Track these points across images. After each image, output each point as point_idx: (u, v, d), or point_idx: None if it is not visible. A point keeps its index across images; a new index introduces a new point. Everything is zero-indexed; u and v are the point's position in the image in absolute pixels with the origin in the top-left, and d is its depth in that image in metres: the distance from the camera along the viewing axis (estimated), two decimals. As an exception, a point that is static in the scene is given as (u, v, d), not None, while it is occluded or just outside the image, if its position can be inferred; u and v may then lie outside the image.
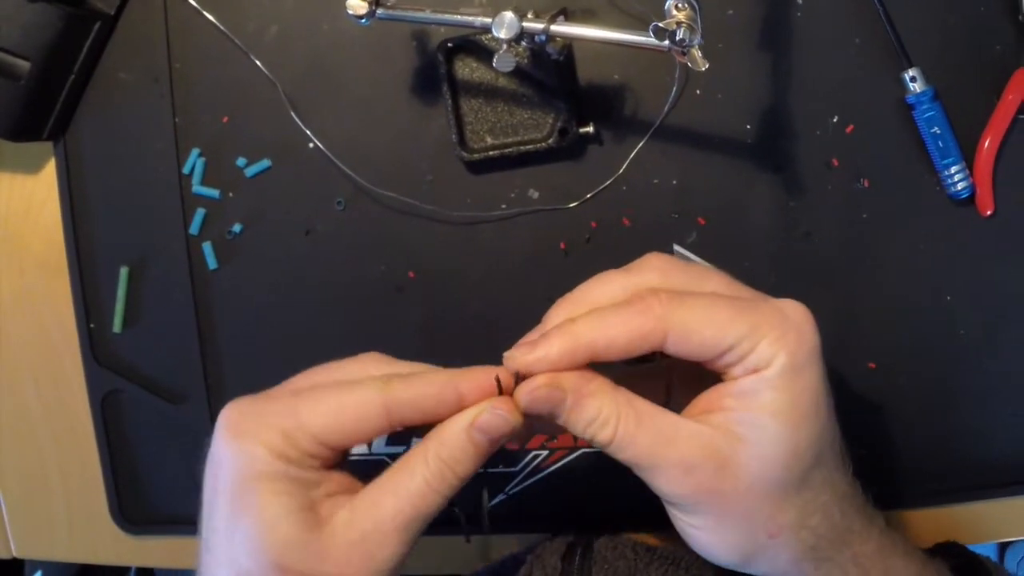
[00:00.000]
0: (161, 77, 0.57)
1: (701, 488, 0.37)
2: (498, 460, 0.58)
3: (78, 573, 0.93)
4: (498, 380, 0.38)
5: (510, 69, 0.46)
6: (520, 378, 0.38)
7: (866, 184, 0.54)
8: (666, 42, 0.43)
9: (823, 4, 0.54)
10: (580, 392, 0.38)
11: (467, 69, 0.54)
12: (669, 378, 0.44)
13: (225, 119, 0.57)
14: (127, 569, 0.98)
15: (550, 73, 0.53)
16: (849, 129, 0.54)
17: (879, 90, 0.54)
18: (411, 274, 0.57)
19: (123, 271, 0.58)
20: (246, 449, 0.37)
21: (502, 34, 0.45)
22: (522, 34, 0.45)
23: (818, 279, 0.55)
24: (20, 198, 0.60)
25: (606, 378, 0.38)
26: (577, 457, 0.57)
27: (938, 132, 0.53)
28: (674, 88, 0.54)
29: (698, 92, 0.54)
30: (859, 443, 0.56)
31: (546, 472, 0.58)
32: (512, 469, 0.58)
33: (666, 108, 0.54)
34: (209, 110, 0.57)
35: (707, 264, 0.55)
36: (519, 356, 0.38)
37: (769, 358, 0.36)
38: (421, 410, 0.38)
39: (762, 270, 0.55)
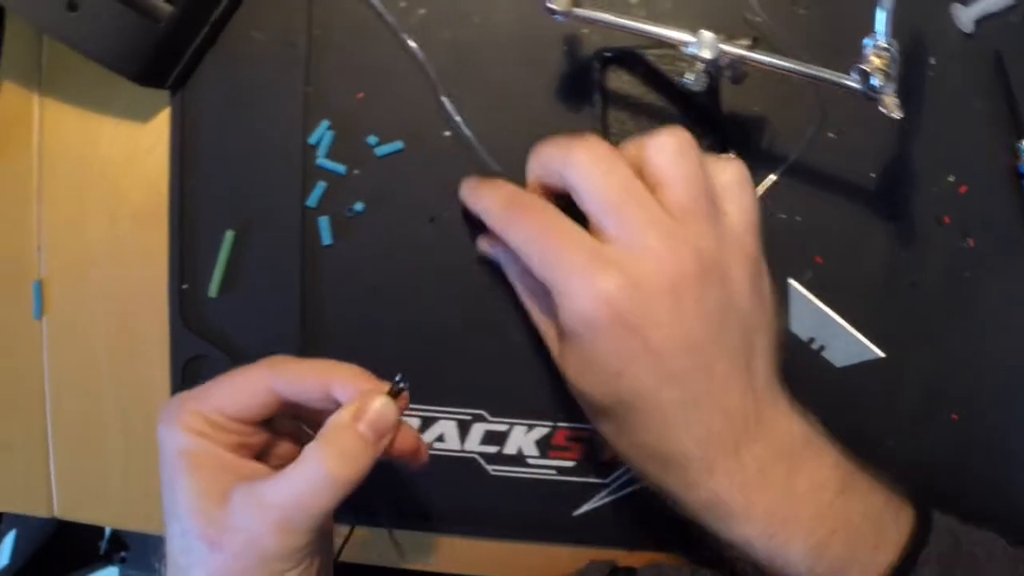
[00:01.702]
0: (298, 42, 0.55)
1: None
2: (589, 470, 0.58)
3: (52, 535, 0.89)
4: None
5: (703, 88, 0.47)
6: (394, 387, 0.43)
7: (971, 244, 0.57)
8: (861, 86, 0.45)
9: (953, 69, 0.56)
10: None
11: (618, 82, 0.55)
12: None
13: (360, 95, 0.56)
14: (101, 529, 0.94)
15: (701, 96, 0.53)
16: (963, 190, 0.57)
17: (995, 156, 0.57)
18: (530, 275, 0.57)
19: (228, 234, 0.56)
20: (170, 431, 0.43)
21: (704, 53, 0.46)
22: (720, 56, 0.46)
23: (918, 329, 0.57)
24: (123, 143, 0.57)
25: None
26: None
27: (1044, 203, 0.56)
28: (810, 128, 0.56)
29: (831, 135, 0.56)
30: (932, 488, 0.59)
31: (635, 487, 0.58)
32: (602, 480, 0.58)
33: (803, 146, 0.56)
34: (344, 83, 0.56)
35: (817, 303, 0.57)
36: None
37: (559, 305, 0.45)
38: (298, 388, 0.44)
39: (869, 313, 0.57)
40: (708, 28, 0.54)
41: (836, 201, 0.57)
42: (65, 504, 0.61)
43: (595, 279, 0.42)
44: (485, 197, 0.51)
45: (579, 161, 0.44)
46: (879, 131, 0.56)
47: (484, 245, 0.54)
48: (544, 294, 0.47)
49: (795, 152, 0.56)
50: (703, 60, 0.46)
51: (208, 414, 0.43)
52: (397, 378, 0.43)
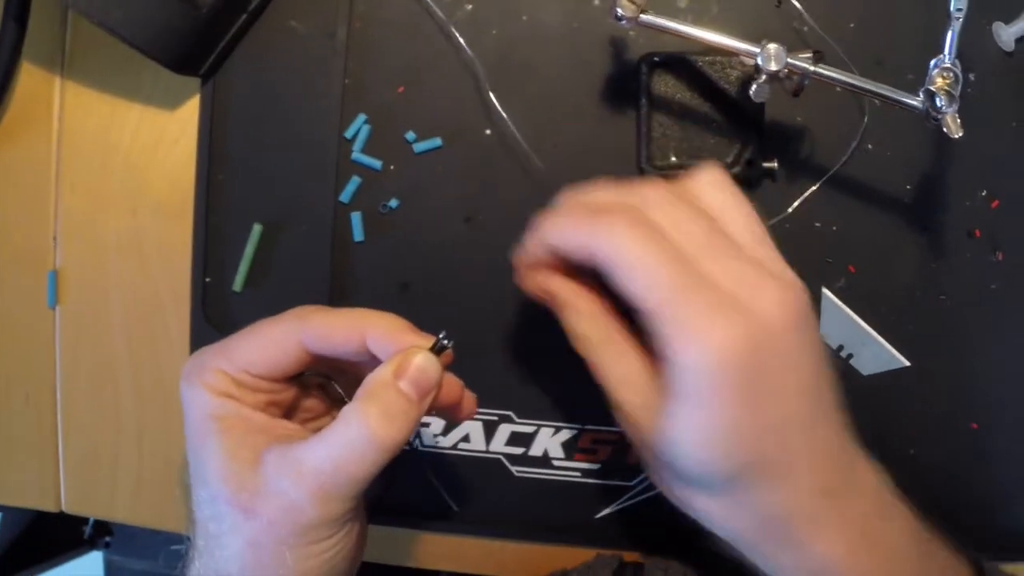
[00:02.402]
0: (338, 33, 0.54)
1: (636, 436, 0.43)
2: (613, 473, 0.58)
3: (36, 519, 0.86)
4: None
5: (766, 100, 0.46)
6: (437, 344, 0.40)
7: (1000, 257, 0.58)
8: (925, 106, 0.45)
9: (991, 86, 0.56)
10: (562, 303, 0.44)
11: (663, 85, 0.54)
12: None
13: (400, 89, 0.54)
14: (84, 520, 0.92)
15: (748, 104, 0.53)
16: (994, 204, 0.57)
17: (1025, 172, 0.57)
18: (567, 278, 0.56)
19: (256, 228, 0.55)
20: (195, 392, 0.41)
21: (771, 66, 0.45)
22: (785, 68, 0.46)
23: (945, 339, 0.58)
24: (150, 131, 0.55)
25: (597, 302, 0.43)
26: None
27: (1071, 220, 0.57)
28: (855, 141, 0.56)
29: (870, 147, 0.56)
30: (950, 497, 0.60)
31: (658, 491, 0.58)
32: (626, 483, 0.58)
33: (844, 157, 0.56)
34: (384, 77, 0.54)
35: (848, 311, 0.57)
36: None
37: (680, 353, 0.37)
38: (330, 343, 0.41)
39: (897, 322, 0.57)
40: (754, 35, 0.55)
41: (871, 212, 0.57)
42: (73, 499, 0.59)
43: (734, 320, 0.36)
44: (560, 210, 0.42)
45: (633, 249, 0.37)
46: (915, 144, 0.56)
47: (538, 281, 0.45)
48: (632, 344, 0.42)
49: (835, 163, 0.56)
50: (769, 72, 0.45)
51: (235, 374, 0.41)
52: (440, 335, 0.41)
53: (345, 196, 0.55)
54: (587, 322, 0.43)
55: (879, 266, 0.57)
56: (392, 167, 0.55)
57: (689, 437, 0.38)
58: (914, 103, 0.45)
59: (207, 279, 0.56)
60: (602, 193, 0.41)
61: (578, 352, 0.43)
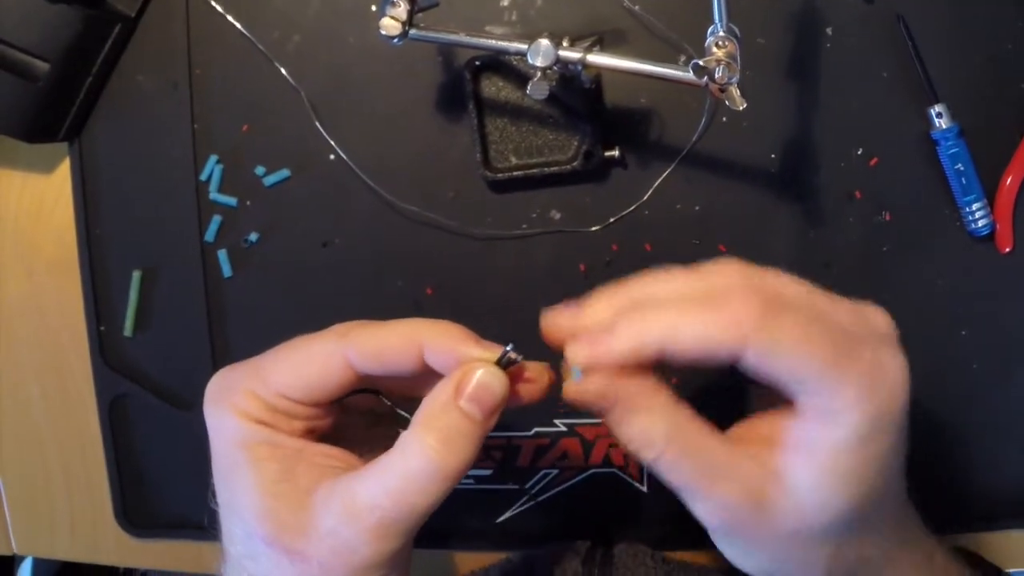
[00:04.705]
0: (180, 82, 0.56)
1: (735, 525, 0.36)
2: (507, 477, 0.58)
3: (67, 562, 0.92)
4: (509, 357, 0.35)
5: (544, 97, 0.45)
6: (504, 357, 0.35)
7: (887, 217, 0.54)
8: (705, 79, 0.43)
9: (852, 37, 0.53)
10: (629, 406, 0.35)
11: (493, 87, 0.54)
12: None
13: (245, 127, 0.56)
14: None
15: (578, 96, 0.52)
16: (873, 162, 0.54)
17: (904, 124, 0.54)
18: (429, 290, 0.56)
19: (135, 275, 0.58)
20: (222, 417, 0.37)
21: (538, 62, 0.44)
22: (557, 62, 0.45)
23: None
24: (31, 197, 0.59)
25: (668, 394, 0.35)
26: (588, 476, 0.57)
27: (961, 169, 0.53)
28: (704, 117, 0.54)
29: (724, 119, 0.54)
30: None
31: (556, 491, 0.58)
32: (521, 487, 0.58)
33: (695, 136, 0.54)
34: (229, 117, 0.56)
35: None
36: (581, 351, 0.35)
37: (847, 412, 0.34)
38: (382, 360, 0.36)
39: (780, 300, 0.55)
40: (586, 24, 0.53)
41: (736, 187, 0.55)
42: (22, 540, 0.64)
43: (894, 362, 0.35)
44: (645, 310, 0.35)
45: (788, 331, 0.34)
46: (777, 110, 0.54)
47: (605, 385, 0.35)
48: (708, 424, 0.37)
49: (688, 141, 0.54)
50: (539, 68, 0.44)
51: (269, 398, 0.36)
52: (508, 347, 0.35)
53: (209, 236, 0.57)
54: (662, 421, 0.35)
55: (752, 242, 0.55)
56: (248, 203, 0.57)
57: (831, 484, 0.35)
58: (699, 80, 0.43)
59: (101, 327, 0.59)
60: (663, 284, 0.37)
61: (641, 458, 0.36)
